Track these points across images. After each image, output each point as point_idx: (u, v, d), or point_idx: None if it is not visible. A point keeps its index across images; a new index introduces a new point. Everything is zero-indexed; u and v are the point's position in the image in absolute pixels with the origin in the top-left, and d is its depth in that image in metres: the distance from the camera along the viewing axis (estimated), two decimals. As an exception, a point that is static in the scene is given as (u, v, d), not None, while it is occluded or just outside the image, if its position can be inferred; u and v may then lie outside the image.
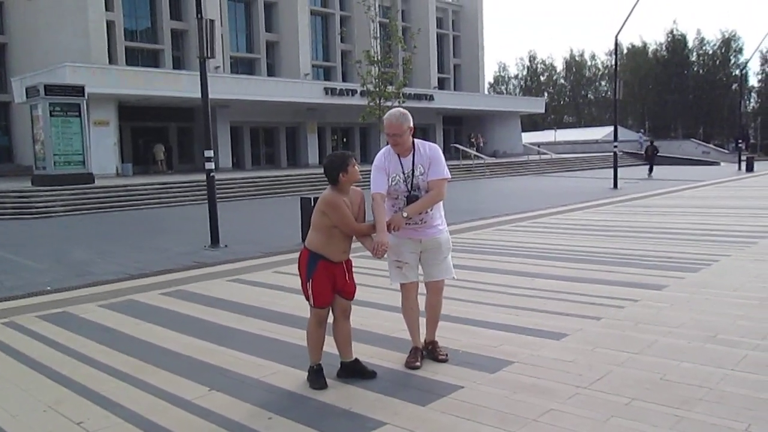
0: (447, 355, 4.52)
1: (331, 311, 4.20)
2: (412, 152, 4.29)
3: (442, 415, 3.61)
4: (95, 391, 4.18)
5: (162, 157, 29.73)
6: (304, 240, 4.24)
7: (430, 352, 4.55)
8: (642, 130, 52.03)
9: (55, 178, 19.38)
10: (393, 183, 4.26)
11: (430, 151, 4.32)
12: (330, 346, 4.27)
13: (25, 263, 9.27)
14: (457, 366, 4.38)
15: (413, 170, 4.26)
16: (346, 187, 4.06)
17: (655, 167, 28.83)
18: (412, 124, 4.27)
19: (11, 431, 3.62)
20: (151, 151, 30.17)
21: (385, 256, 4.18)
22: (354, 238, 4.14)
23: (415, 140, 4.33)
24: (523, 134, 51.63)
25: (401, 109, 4.28)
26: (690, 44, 71.93)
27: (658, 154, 30.42)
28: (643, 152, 34.18)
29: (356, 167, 4.05)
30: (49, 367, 4.74)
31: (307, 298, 4.16)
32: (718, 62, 70.85)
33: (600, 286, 6.66)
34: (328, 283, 4.07)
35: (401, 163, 4.27)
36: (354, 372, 4.22)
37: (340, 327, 4.22)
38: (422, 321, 4.59)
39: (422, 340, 4.59)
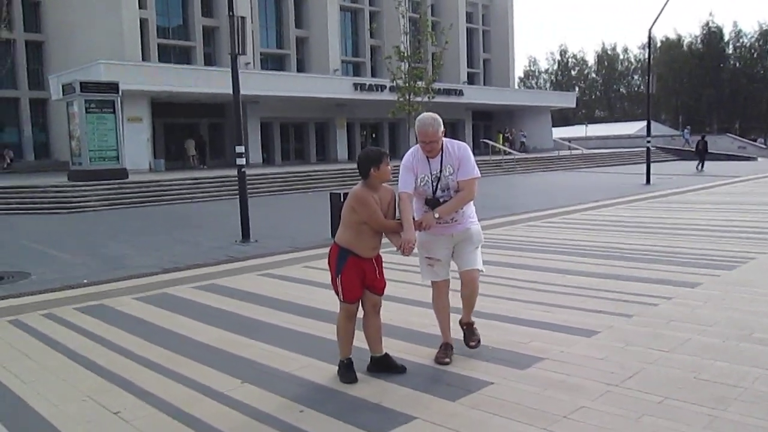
0: (479, 341, 4.56)
1: (361, 306, 4.23)
2: (440, 153, 4.28)
3: (472, 411, 3.62)
4: (131, 382, 4.29)
5: (194, 152, 30.02)
6: (333, 235, 4.28)
7: (465, 333, 4.59)
8: (688, 127, 50.68)
9: (90, 173, 19.76)
10: (422, 184, 4.27)
11: (459, 150, 4.31)
12: (360, 340, 4.30)
13: (62, 257, 9.50)
14: (487, 362, 4.39)
15: (441, 170, 4.26)
16: (376, 183, 4.08)
17: (696, 161, 28.77)
18: (443, 127, 4.27)
19: (53, 420, 3.73)
20: (183, 146, 30.55)
21: (416, 251, 4.19)
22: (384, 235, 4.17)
23: (444, 140, 4.32)
24: (554, 129, 51.02)
25: (433, 115, 4.24)
26: (726, 37, 70.38)
27: (708, 151, 30.37)
28: (692, 148, 34.37)
29: (389, 167, 4.07)
30: (87, 357, 4.87)
31: (337, 293, 4.20)
32: (755, 55, 69.15)
33: (632, 284, 6.59)
34: (357, 279, 4.10)
35: (429, 164, 4.27)
36: (384, 367, 4.25)
37: (371, 322, 4.25)
38: (453, 317, 4.60)
39: (458, 325, 4.62)
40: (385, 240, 4.19)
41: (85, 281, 7.47)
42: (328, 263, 4.22)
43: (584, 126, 61.63)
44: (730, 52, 70.68)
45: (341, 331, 4.23)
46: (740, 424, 3.31)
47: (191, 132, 31.71)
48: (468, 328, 4.58)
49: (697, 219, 11.86)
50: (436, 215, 4.20)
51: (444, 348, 4.51)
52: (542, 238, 10.08)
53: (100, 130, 20.17)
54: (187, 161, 29.92)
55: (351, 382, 4.11)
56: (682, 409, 3.52)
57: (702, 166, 28.67)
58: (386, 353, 4.30)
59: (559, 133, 54.38)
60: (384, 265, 4.28)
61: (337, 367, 4.26)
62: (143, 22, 31.10)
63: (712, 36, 69.79)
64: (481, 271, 4.49)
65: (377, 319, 4.27)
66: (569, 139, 45.37)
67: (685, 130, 47.76)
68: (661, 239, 9.49)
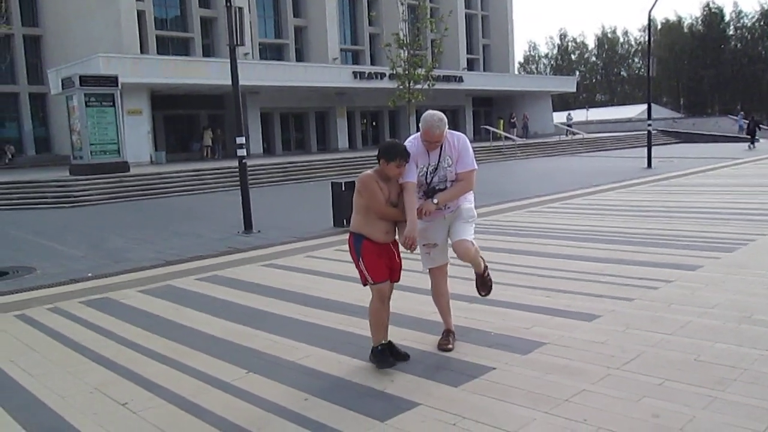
0: (490, 287, 4.73)
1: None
2: (440, 146, 4.29)
3: (474, 396, 3.67)
4: (138, 374, 4.34)
5: (209, 143, 29.99)
6: (335, 224, 4.31)
7: (476, 281, 4.71)
8: (741, 113, 48.87)
9: (91, 167, 19.80)
10: (420, 174, 4.29)
11: (458, 142, 4.32)
12: (359, 327, 4.34)
13: (66, 251, 9.55)
14: (489, 348, 4.43)
15: (439, 161, 4.27)
16: (383, 174, 4.13)
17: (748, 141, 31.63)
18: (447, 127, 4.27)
19: (61, 412, 3.78)
20: (195, 138, 30.65)
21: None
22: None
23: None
24: (555, 114, 50.88)
25: (440, 115, 4.20)
26: (727, 18, 69.92)
27: (760, 128, 34.18)
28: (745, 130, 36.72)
29: (399, 169, 4.07)
30: (94, 350, 4.92)
31: (365, 279, 4.17)
32: (756, 35, 68.71)
33: (633, 267, 6.62)
34: (379, 258, 4.12)
35: (429, 155, 4.29)
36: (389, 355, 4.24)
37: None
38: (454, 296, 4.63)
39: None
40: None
41: (90, 275, 7.52)
42: (350, 254, 4.25)
43: (585, 110, 61.42)
44: (731, 33, 70.21)
45: (375, 316, 4.20)
46: (739, 405, 3.35)
47: (192, 123, 31.73)
48: (479, 278, 4.68)
49: (697, 202, 11.87)
50: (435, 201, 4.23)
51: (446, 335, 4.55)
52: (543, 224, 10.10)
53: (101, 123, 20.18)
54: (201, 152, 29.94)
55: (389, 366, 4.14)
56: (682, 391, 3.56)
57: (753, 144, 31.20)
58: (390, 341, 4.33)
59: (560, 117, 54.22)
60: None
61: (342, 355, 4.29)
62: (141, 14, 31.00)
63: (713, 17, 69.32)
64: (472, 242, 4.34)
65: (387, 307, 4.25)
66: (570, 124, 45.25)
67: (739, 116, 45.41)
68: (661, 223, 9.51)
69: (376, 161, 4.15)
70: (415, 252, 4.26)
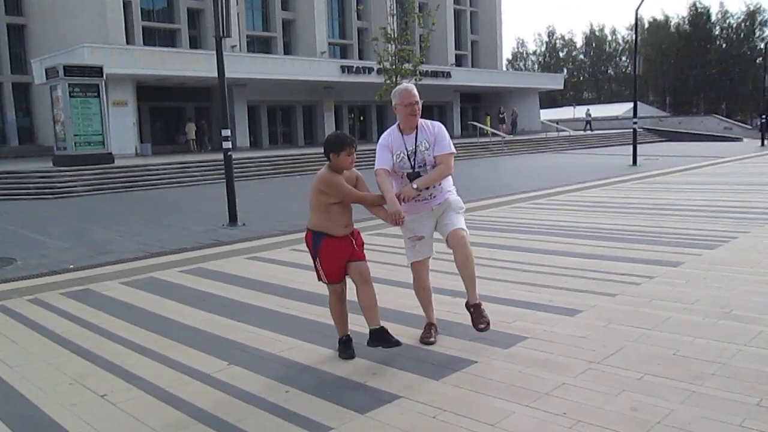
0: (488, 324, 4.27)
1: (352, 281, 4.21)
2: (415, 130, 4.35)
3: (456, 389, 3.67)
4: (118, 365, 4.30)
5: (194, 137, 29.83)
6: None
7: (472, 316, 4.31)
8: (764, 116, 47.61)
9: (75, 158, 19.60)
10: (398, 160, 4.32)
11: (434, 128, 4.40)
12: (354, 324, 4.34)
13: (48, 242, 9.45)
14: (471, 341, 4.44)
15: (416, 146, 4.31)
16: (336, 167, 4.12)
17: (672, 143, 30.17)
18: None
19: (38, 403, 3.74)
20: (180, 130, 30.45)
21: (401, 232, 4.22)
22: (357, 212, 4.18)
23: (419, 120, 4.39)
24: (542, 111, 51.07)
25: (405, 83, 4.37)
26: (713, 17, 70.47)
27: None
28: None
29: (351, 157, 4.08)
30: (74, 342, 4.88)
31: (319, 277, 4.25)
32: (742, 36, 69.33)
33: (616, 263, 6.66)
34: (335, 258, 4.14)
35: (404, 141, 4.34)
36: (381, 340, 4.12)
37: (362, 293, 4.15)
38: (437, 300, 4.63)
39: (465, 308, 4.48)
40: (374, 222, 4.21)
41: (72, 266, 7.45)
42: (308, 249, 4.26)
43: (572, 107, 61.66)
44: (717, 32, 70.78)
45: (333, 311, 4.33)
46: (717, 399, 3.38)
47: (179, 116, 31.50)
48: (475, 310, 4.30)
49: (680, 199, 11.97)
50: (415, 186, 4.23)
51: (428, 328, 4.56)
52: (528, 220, 10.14)
53: (85, 114, 19.98)
54: (187, 145, 29.77)
55: (349, 358, 4.20)
56: (661, 385, 3.58)
57: (763, 143, 31.95)
58: (383, 327, 4.16)
59: (547, 114, 54.42)
60: (372, 248, 4.30)
61: (324, 348, 4.31)
62: (127, 5, 30.69)
63: (699, 17, 69.82)
64: (466, 231, 4.31)
65: (368, 289, 4.15)
66: (557, 121, 45.44)
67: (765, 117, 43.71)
68: (645, 219, 9.58)
69: (326, 159, 4.11)
70: (400, 244, 4.24)
